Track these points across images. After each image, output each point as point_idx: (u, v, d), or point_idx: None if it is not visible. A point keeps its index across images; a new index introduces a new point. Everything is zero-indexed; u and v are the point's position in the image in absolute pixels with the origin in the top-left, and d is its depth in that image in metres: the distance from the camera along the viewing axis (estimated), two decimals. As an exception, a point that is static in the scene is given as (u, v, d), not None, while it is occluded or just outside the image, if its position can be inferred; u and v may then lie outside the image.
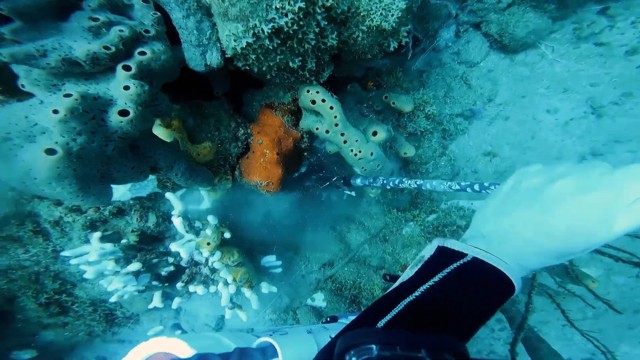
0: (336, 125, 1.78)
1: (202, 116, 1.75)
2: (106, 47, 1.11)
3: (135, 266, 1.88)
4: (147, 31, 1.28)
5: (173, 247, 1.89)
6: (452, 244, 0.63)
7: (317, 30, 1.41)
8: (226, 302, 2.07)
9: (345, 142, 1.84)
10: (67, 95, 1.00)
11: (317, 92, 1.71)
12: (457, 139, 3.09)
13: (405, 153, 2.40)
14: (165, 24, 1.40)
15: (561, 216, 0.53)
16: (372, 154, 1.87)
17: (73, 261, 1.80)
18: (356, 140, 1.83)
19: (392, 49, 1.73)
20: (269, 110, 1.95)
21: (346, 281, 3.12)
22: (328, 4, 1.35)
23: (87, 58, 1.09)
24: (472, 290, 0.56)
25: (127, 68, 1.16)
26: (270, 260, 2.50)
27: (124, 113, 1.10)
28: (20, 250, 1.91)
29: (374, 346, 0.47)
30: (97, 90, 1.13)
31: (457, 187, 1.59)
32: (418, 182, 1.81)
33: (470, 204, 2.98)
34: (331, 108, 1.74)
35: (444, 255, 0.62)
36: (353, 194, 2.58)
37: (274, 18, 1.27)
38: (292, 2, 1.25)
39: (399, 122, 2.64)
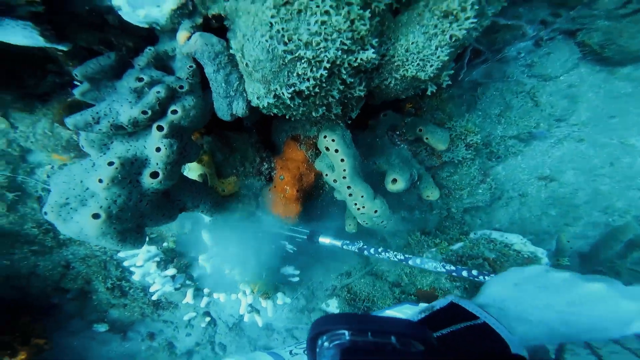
0: (344, 177, 1.78)
1: (230, 149, 1.88)
2: (144, 112, 1.26)
3: (171, 272, 2.18)
4: (181, 87, 1.40)
5: (200, 260, 2.14)
6: (467, 304, 0.67)
7: (341, 87, 1.40)
8: (244, 310, 2.31)
9: (350, 195, 1.83)
10: (110, 164, 1.17)
11: (333, 141, 1.72)
12: (506, 161, 2.80)
13: (428, 196, 2.31)
14: (201, 73, 1.51)
15: (588, 313, 0.63)
16: (376, 211, 1.84)
17: (125, 263, 2.15)
18: (361, 196, 1.81)
19: (429, 93, 1.64)
20: (294, 144, 2.01)
21: (361, 292, 3.20)
22: (356, 64, 1.32)
23: (129, 123, 1.25)
24: (476, 352, 0.59)
25: (160, 128, 1.30)
26: (289, 270, 2.67)
27: (154, 175, 1.26)
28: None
29: (346, 332, 0.49)
30: (136, 150, 1.29)
31: (449, 268, 1.59)
32: (404, 257, 1.79)
33: (504, 238, 2.79)
34: (342, 160, 1.74)
35: (455, 312, 0.66)
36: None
37: (294, 83, 1.29)
38: (314, 69, 1.25)
39: (433, 151, 2.51)
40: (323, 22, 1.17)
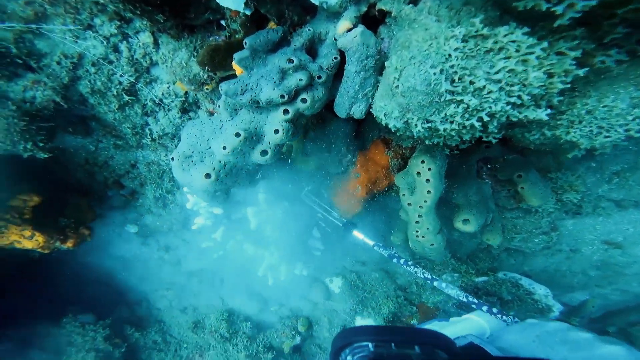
0: (420, 207, 1.76)
1: (322, 132, 1.86)
2: (282, 96, 1.24)
3: (218, 211, 2.37)
4: (319, 77, 1.35)
5: (248, 211, 2.31)
6: (486, 346, 0.73)
7: (478, 134, 1.30)
8: (265, 266, 2.54)
9: (417, 222, 1.83)
10: (237, 135, 1.21)
11: (429, 170, 1.66)
12: (584, 219, 2.52)
13: (488, 239, 2.27)
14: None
15: None
16: (432, 245, 1.85)
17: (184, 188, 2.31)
18: (427, 229, 1.81)
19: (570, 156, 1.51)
20: (382, 147, 1.96)
21: (367, 282, 3.40)
22: (515, 119, 1.19)
23: (265, 101, 1.25)
24: None
25: (285, 112, 1.30)
26: (316, 244, 2.83)
27: (264, 153, 1.30)
28: (163, 153, 2.47)
29: (369, 343, 0.50)
30: (257, 124, 1.31)
31: (471, 300, 1.61)
32: (431, 277, 1.81)
33: (532, 287, 2.77)
34: (428, 192, 1.70)
35: (474, 352, 0.71)
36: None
37: (434, 121, 1.22)
38: (466, 117, 1.16)
39: (516, 195, 2.36)
40: (511, 70, 1.05)
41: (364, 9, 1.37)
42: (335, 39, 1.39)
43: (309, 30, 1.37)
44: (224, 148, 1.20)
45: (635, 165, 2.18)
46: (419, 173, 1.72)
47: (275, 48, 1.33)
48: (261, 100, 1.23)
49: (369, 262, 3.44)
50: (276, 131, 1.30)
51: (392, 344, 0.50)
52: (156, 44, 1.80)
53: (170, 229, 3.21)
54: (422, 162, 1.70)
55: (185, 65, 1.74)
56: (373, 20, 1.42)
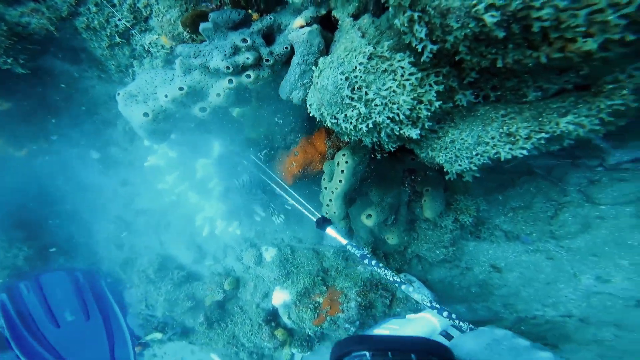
0: (332, 192, 2.10)
1: (280, 108, 2.18)
2: (227, 67, 1.55)
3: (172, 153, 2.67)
4: (267, 60, 1.66)
5: (198, 162, 2.61)
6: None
7: (374, 139, 1.63)
8: (203, 219, 2.85)
9: (327, 205, 2.18)
10: (180, 89, 1.51)
11: (346, 162, 2.00)
12: (482, 243, 2.98)
13: (387, 238, 2.65)
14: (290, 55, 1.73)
15: None
16: (335, 212, 2.23)
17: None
18: (334, 213, 2.17)
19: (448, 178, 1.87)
20: (325, 135, 2.29)
21: (297, 258, 3.73)
22: (397, 133, 1.54)
23: (213, 68, 1.55)
24: None
25: (230, 81, 1.61)
26: (257, 209, 3.13)
27: (202, 109, 1.61)
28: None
29: (367, 352, 0.53)
30: (204, 85, 1.61)
31: (434, 305, 1.71)
32: (400, 280, 1.87)
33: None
34: (340, 181, 2.04)
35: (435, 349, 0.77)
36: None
37: (338, 118, 1.54)
38: (359, 121, 1.49)
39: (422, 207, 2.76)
40: (393, 91, 1.38)
41: (324, 12, 1.68)
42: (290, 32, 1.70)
43: (270, 18, 1.67)
44: (166, 96, 1.50)
45: (529, 205, 2.61)
46: (338, 163, 2.06)
47: (237, 27, 1.62)
48: (209, 67, 1.54)
49: (305, 240, 3.78)
50: (217, 95, 1.61)
51: (389, 353, 0.53)
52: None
53: (131, 164, 3.47)
54: (344, 155, 2.04)
55: (173, 22, 2.00)
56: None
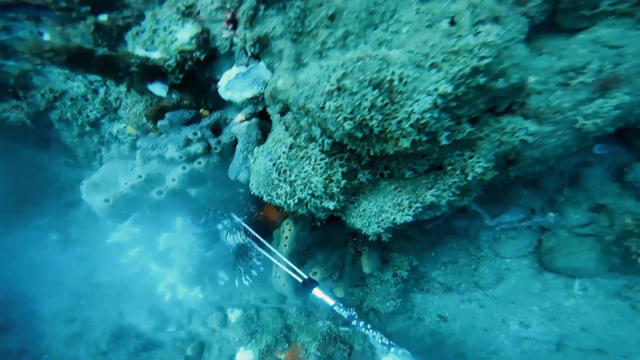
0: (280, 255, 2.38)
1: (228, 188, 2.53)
2: (181, 157, 1.92)
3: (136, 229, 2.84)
4: (215, 148, 2.05)
5: (162, 237, 2.78)
6: None
7: (305, 211, 1.98)
8: (165, 286, 2.90)
9: (275, 265, 2.43)
10: (139, 177, 1.82)
11: (289, 230, 2.32)
12: (427, 295, 3.26)
13: (336, 292, 2.84)
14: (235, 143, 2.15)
15: None
16: (284, 285, 2.43)
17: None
18: (281, 271, 2.43)
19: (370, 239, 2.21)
20: (274, 207, 2.63)
21: (261, 318, 3.65)
22: (320, 206, 1.91)
23: (169, 159, 1.91)
24: None
25: (184, 168, 1.96)
26: (221, 274, 3.22)
27: (159, 193, 1.91)
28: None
29: None
30: (161, 172, 1.95)
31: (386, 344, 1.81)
32: (389, 343, 1.94)
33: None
34: (285, 245, 2.33)
35: None
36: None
37: (272, 196, 1.90)
38: (288, 198, 1.85)
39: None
40: (309, 173, 1.78)
41: (260, 108, 2.15)
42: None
43: (217, 114, 2.12)
44: (126, 183, 1.81)
45: (455, 260, 2.98)
46: (283, 231, 2.36)
47: (190, 123, 2.05)
48: (165, 157, 1.90)
49: (270, 299, 3.79)
50: (173, 180, 1.94)
51: None
52: (129, 91, 2.48)
53: (92, 242, 3.53)
54: (287, 223, 2.36)
55: (138, 115, 2.41)
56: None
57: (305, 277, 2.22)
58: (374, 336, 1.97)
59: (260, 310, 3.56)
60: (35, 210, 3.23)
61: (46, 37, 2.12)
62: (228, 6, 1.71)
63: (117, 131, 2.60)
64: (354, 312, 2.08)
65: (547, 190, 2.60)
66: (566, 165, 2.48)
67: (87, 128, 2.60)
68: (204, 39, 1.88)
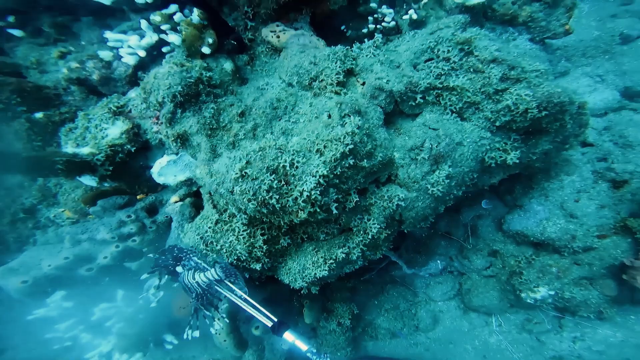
0: None
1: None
2: (112, 237, 2.07)
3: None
4: (150, 227, 2.23)
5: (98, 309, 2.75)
6: None
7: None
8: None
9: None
10: (66, 258, 1.93)
11: None
12: (377, 342, 3.38)
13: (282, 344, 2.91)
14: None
15: None
16: (225, 341, 2.54)
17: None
18: (222, 327, 2.50)
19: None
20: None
21: None
22: (249, 268, 2.11)
23: (100, 240, 2.05)
24: None
25: (117, 246, 2.09)
26: (168, 338, 3.10)
27: (89, 269, 2.01)
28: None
29: None
30: (91, 252, 2.07)
31: None
32: None
33: None
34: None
35: None
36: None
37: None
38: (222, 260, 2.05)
39: None
40: (233, 243, 2.01)
41: (195, 189, 2.40)
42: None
43: (152, 197, 2.33)
44: (49, 265, 1.91)
45: (396, 306, 3.23)
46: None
47: (124, 206, 2.23)
48: (97, 239, 2.04)
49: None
50: (105, 257, 2.06)
51: None
52: (60, 184, 2.64)
53: (9, 321, 3.27)
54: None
55: (77, 200, 2.54)
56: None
57: (275, 320, 2.06)
58: None
59: None
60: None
61: None
62: (151, 110, 2.05)
63: (54, 215, 2.67)
64: (328, 358, 1.95)
65: (458, 240, 3.06)
66: (467, 218, 2.98)
67: (20, 215, 2.65)
68: (135, 133, 2.18)
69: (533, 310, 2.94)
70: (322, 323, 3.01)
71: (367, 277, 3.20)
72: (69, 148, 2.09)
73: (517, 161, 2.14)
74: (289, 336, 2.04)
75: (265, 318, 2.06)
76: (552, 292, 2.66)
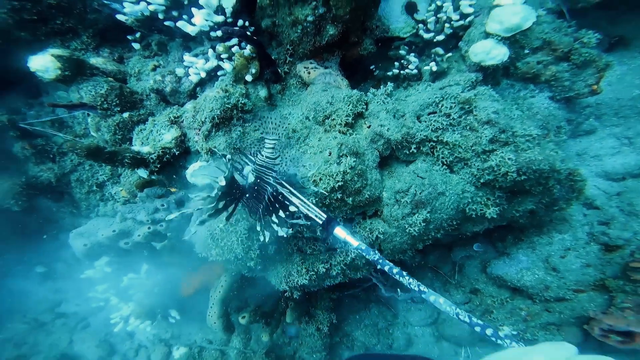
0: (214, 298, 2.93)
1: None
2: (147, 220, 2.63)
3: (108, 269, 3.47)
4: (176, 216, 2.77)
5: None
6: None
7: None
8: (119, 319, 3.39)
9: (211, 307, 2.95)
10: (113, 231, 2.53)
11: (225, 281, 2.89)
12: (353, 353, 3.61)
13: (262, 336, 3.28)
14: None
15: None
16: (215, 323, 2.90)
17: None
18: (215, 312, 2.93)
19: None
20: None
21: (202, 357, 3.89)
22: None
23: (139, 221, 2.63)
24: None
25: (149, 228, 2.65)
26: (172, 312, 3.68)
27: (126, 243, 2.59)
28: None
29: None
30: (132, 229, 2.65)
31: (466, 320, 1.50)
32: (420, 289, 1.63)
33: None
34: (219, 292, 2.89)
35: None
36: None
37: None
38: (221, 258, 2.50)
39: None
40: (233, 243, 2.44)
41: None
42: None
43: (182, 193, 2.88)
44: (102, 234, 2.50)
45: (375, 324, 3.42)
46: (220, 283, 2.94)
47: (161, 197, 2.80)
48: (137, 219, 2.61)
49: (215, 341, 4.08)
50: (138, 235, 2.62)
51: None
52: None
53: (71, 276, 4.09)
54: (224, 276, 2.94)
55: (132, 183, 3.20)
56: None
57: (324, 216, 1.96)
58: (403, 281, 1.66)
59: (204, 351, 3.89)
60: (31, 246, 3.89)
61: (89, 121, 3.01)
62: (196, 124, 2.58)
63: (115, 192, 3.38)
64: (378, 255, 1.79)
65: (444, 275, 3.20)
66: (457, 257, 3.12)
67: (94, 188, 3.40)
68: (181, 140, 2.73)
69: (500, 347, 2.93)
70: (303, 326, 3.33)
71: (351, 293, 3.45)
72: (136, 145, 2.71)
73: (496, 216, 2.29)
74: (340, 232, 1.93)
75: (315, 216, 1.98)
76: (515, 332, 2.71)
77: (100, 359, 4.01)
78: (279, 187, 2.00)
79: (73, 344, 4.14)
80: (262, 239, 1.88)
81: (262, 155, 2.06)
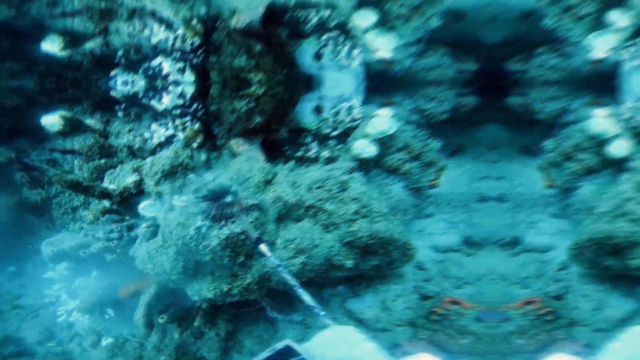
0: (141, 304, 3.86)
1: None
2: (103, 243, 3.63)
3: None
4: (126, 237, 3.79)
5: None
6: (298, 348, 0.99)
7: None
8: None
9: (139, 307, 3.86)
10: (75, 243, 3.52)
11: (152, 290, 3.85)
12: (241, 357, 4.22)
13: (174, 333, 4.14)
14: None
15: None
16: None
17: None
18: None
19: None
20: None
21: (124, 347, 4.56)
22: None
23: (97, 238, 3.63)
24: None
25: (103, 243, 3.65)
26: (107, 310, 4.49)
27: (84, 253, 3.57)
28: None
29: None
30: (89, 243, 3.64)
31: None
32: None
33: None
34: (147, 297, 3.83)
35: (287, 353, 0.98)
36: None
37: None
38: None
39: None
40: (163, 262, 3.47)
41: (157, 223, 3.97)
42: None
43: (133, 221, 3.92)
44: (67, 244, 3.49)
45: (259, 335, 4.38)
46: (150, 290, 3.88)
47: (117, 222, 3.83)
48: (95, 236, 3.62)
49: (137, 335, 4.72)
50: (94, 248, 3.62)
51: None
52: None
53: (35, 276, 4.85)
54: (152, 287, 3.89)
55: (97, 210, 4.20)
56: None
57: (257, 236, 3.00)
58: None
59: (127, 342, 4.60)
60: (9, 249, 4.72)
61: (76, 163, 4.11)
62: (151, 174, 3.71)
63: (84, 215, 4.33)
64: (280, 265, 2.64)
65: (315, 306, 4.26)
66: (326, 294, 4.22)
67: (69, 210, 4.37)
68: (139, 183, 3.85)
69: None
70: (206, 330, 4.23)
71: (246, 310, 4.40)
72: (106, 183, 3.80)
73: (352, 267, 3.42)
74: (264, 249, 2.92)
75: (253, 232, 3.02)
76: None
77: (38, 343, 4.69)
78: None
79: (20, 330, 4.80)
80: None
81: None
